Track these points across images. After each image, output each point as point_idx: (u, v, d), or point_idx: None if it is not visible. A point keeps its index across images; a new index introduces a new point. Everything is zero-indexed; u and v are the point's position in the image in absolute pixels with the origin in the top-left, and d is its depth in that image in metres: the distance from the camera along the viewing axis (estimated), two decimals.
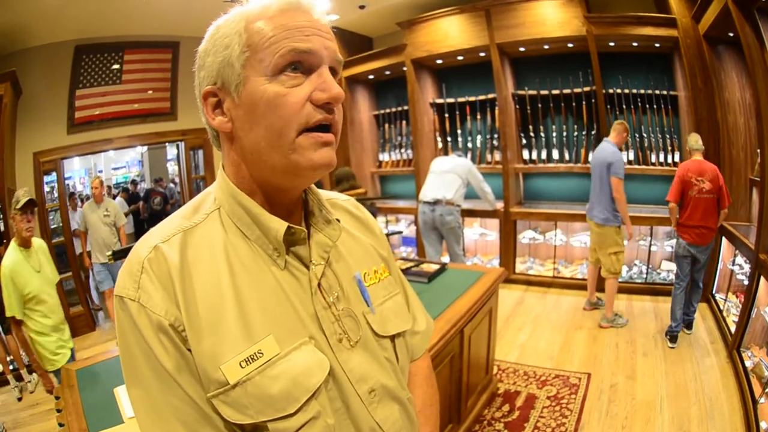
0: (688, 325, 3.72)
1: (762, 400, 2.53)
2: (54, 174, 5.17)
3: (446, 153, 5.83)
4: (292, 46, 0.62)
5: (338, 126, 0.68)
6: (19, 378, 3.75)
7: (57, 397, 1.91)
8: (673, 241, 4.47)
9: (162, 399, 0.60)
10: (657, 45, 4.39)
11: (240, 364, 0.60)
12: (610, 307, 3.97)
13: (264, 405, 0.60)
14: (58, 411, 1.81)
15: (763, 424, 2.38)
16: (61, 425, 1.68)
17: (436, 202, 4.48)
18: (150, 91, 5.65)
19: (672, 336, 3.54)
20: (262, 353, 0.61)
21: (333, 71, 0.67)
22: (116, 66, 5.35)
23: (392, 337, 0.80)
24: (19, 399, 3.59)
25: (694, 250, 3.50)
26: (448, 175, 4.55)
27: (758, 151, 3.52)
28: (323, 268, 0.72)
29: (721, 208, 3.42)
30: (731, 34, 3.53)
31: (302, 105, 0.63)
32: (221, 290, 0.63)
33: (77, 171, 10.25)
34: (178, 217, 0.70)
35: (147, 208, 7.64)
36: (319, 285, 0.71)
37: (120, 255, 1.92)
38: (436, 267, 2.89)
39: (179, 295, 0.61)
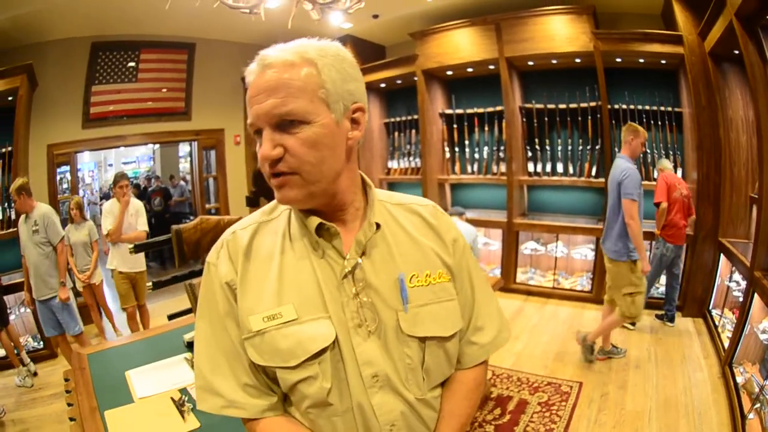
0: (671, 319, 4.16)
1: (751, 415, 2.56)
2: (67, 166, 5.30)
3: (453, 163, 5.92)
4: (249, 122, 0.79)
5: (298, 169, 0.76)
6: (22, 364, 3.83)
7: (66, 379, 2.00)
8: None
9: (213, 333, 0.86)
10: (663, 62, 4.45)
11: (263, 319, 0.80)
12: (596, 336, 3.52)
13: (273, 354, 0.80)
14: (68, 392, 1.89)
15: None
16: (69, 405, 1.76)
17: None
18: (164, 90, 5.77)
19: (671, 316, 4.06)
20: (281, 315, 0.80)
21: (290, 123, 0.74)
22: (132, 64, 5.47)
23: (422, 339, 0.84)
24: (31, 386, 3.67)
25: (678, 251, 3.88)
26: None
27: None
28: (355, 262, 0.83)
29: (690, 215, 3.86)
30: (736, 52, 3.55)
31: (262, 162, 0.78)
32: (270, 267, 0.84)
33: (87, 164, 10.41)
34: (260, 213, 0.93)
35: (150, 209, 7.76)
36: (353, 275, 0.83)
37: (141, 248, 2.13)
38: None
39: (239, 266, 0.85)
